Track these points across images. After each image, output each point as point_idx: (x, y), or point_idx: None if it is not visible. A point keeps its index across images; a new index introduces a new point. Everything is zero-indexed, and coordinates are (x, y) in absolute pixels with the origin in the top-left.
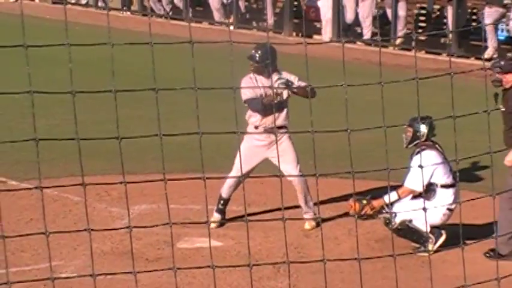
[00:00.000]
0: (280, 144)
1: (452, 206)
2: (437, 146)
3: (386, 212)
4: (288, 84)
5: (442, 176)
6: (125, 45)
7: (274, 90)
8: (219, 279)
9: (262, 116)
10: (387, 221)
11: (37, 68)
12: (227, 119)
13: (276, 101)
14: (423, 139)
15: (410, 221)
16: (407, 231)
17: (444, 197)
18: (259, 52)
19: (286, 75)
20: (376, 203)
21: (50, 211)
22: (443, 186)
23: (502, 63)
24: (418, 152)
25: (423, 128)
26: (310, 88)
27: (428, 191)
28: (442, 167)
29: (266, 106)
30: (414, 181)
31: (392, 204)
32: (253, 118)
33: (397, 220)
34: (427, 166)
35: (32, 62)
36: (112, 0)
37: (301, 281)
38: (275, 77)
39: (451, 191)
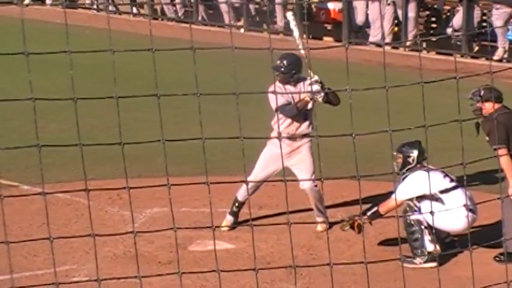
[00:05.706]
0: (300, 152)
1: (471, 206)
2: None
3: (412, 209)
4: (323, 87)
5: (436, 184)
6: (132, 50)
7: (309, 93)
8: (232, 281)
9: (289, 123)
10: (408, 208)
11: (46, 72)
12: (237, 121)
13: (311, 105)
14: (414, 164)
15: (426, 226)
16: (414, 232)
17: (454, 199)
18: (285, 62)
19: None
20: (359, 220)
21: (62, 215)
22: (443, 191)
23: (482, 92)
24: (406, 177)
25: (413, 153)
26: (336, 94)
27: (436, 200)
28: (432, 176)
29: (301, 110)
30: (399, 193)
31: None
32: (279, 124)
33: (414, 217)
34: (415, 182)
35: (41, 67)
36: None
37: (314, 282)
38: (309, 79)
39: (456, 192)
